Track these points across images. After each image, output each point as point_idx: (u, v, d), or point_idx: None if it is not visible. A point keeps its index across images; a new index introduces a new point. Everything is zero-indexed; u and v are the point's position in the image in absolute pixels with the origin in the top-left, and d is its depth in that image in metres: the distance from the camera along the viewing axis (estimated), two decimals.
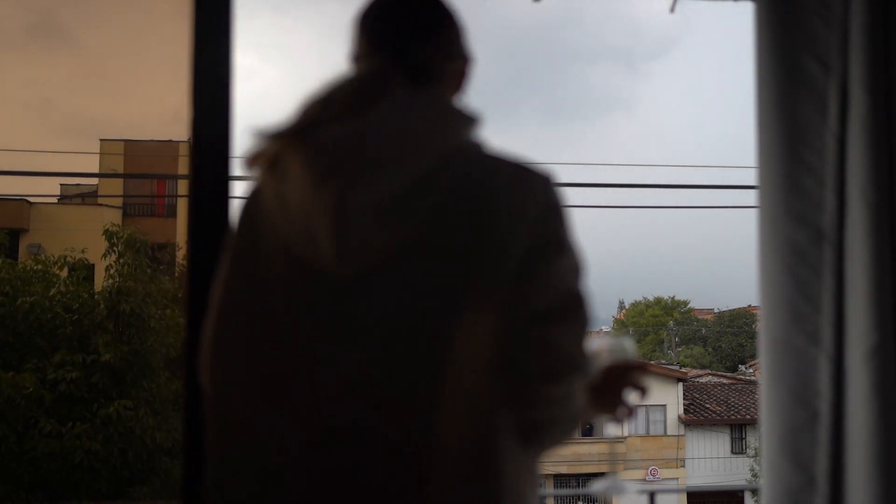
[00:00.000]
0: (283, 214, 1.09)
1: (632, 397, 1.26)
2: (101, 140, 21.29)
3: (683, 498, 22.29)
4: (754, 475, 23.06)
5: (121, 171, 21.22)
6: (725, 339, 46.45)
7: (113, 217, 16.86)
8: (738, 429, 25.50)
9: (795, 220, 1.74)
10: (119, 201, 20.96)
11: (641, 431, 25.36)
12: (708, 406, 26.15)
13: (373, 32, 1.18)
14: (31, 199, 19.69)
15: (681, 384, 25.89)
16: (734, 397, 26.84)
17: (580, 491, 18.59)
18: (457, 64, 1.21)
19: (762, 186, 1.79)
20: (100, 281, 11.82)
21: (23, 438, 9.78)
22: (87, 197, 21.73)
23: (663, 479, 24.28)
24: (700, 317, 51.11)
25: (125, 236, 11.52)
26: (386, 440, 1.02)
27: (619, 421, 1.28)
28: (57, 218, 19.19)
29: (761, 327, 1.78)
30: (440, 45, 1.18)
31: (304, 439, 1.04)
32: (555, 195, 1.11)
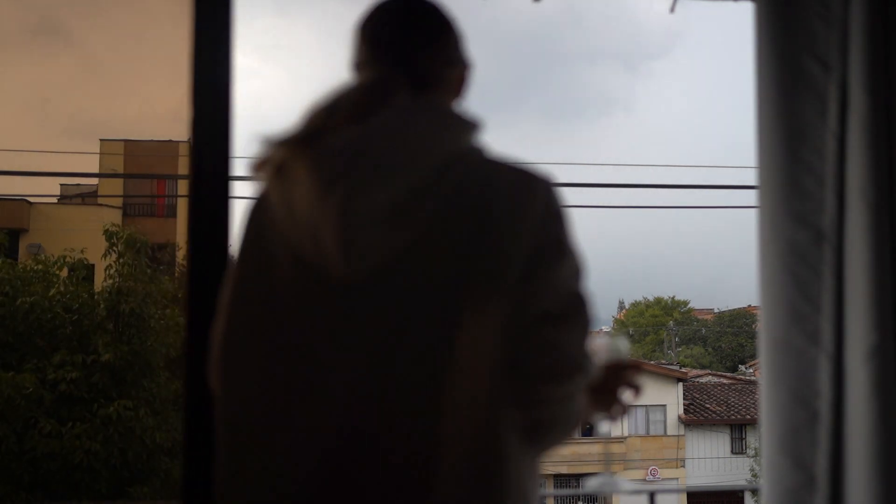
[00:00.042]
0: (289, 220, 1.11)
1: (626, 396, 1.28)
2: (101, 140, 21.29)
3: (683, 498, 22.29)
4: (754, 475, 23.06)
5: (121, 171, 21.22)
6: (725, 339, 46.45)
7: (113, 217, 16.86)
8: (738, 429, 25.50)
9: (795, 220, 1.74)
10: (119, 201, 20.96)
11: (641, 431, 25.36)
12: (708, 406, 26.15)
13: (375, 41, 1.20)
14: (31, 199, 19.69)
15: (681, 384, 25.89)
16: (734, 397, 26.84)
17: (580, 491, 18.60)
18: (457, 70, 1.24)
19: (762, 186, 1.79)
20: (99, 281, 11.82)
21: (23, 438, 9.78)
22: (87, 197, 21.73)
23: (663, 479, 24.29)
24: (700, 317, 51.10)
25: (125, 236, 11.52)
26: (391, 441, 1.04)
27: (614, 419, 1.30)
28: (57, 218, 19.19)
29: (761, 327, 1.78)
30: (441, 53, 1.21)
31: (313, 442, 1.06)
32: (555, 199, 1.13)
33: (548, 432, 1.09)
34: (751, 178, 1.84)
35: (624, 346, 1.33)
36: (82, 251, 11.50)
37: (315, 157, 1.08)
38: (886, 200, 1.69)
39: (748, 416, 24.74)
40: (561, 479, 21.12)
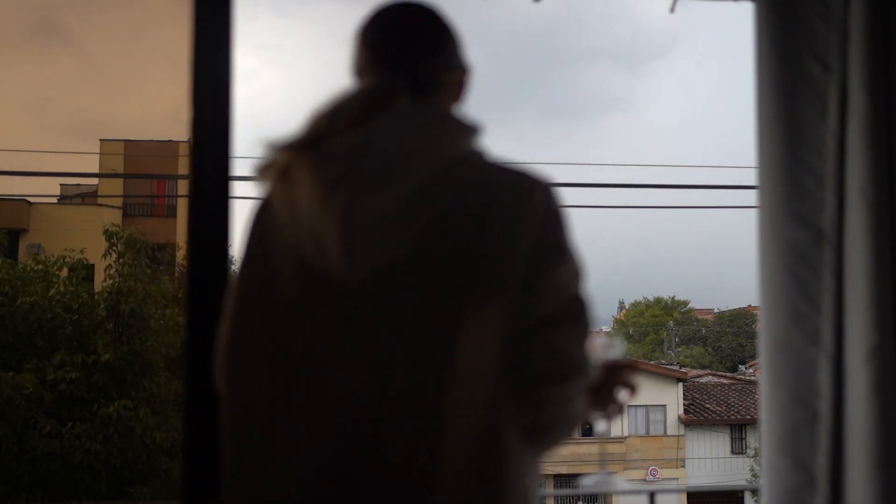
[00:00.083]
0: (292, 223, 1.13)
1: (622, 395, 1.31)
2: (101, 140, 21.29)
3: (683, 498, 22.29)
4: (754, 475, 23.06)
5: (121, 171, 21.22)
6: (725, 339, 46.45)
7: (113, 217, 16.86)
8: (738, 429, 25.50)
9: (795, 220, 1.74)
10: (119, 201, 20.96)
11: (641, 431, 25.36)
12: (708, 406, 26.15)
13: (377, 46, 1.22)
14: (31, 199, 19.69)
15: (681, 384, 25.89)
16: (734, 397, 26.83)
17: (580, 491, 18.60)
18: (456, 74, 1.25)
19: (762, 186, 1.79)
20: (99, 281, 11.82)
21: (23, 438, 9.77)
22: (87, 197, 21.73)
23: (663, 479, 24.28)
24: (700, 317, 51.10)
25: (125, 236, 11.51)
26: (393, 442, 1.05)
27: (610, 418, 1.32)
28: (57, 218, 19.19)
29: (761, 327, 1.78)
30: (442, 58, 1.23)
31: (315, 443, 1.08)
32: (555, 202, 1.14)
33: (548, 433, 1.11)
34: (751, 178, 1.84)
35: (620, 347, 1.35)
36: (82, 251, 11.49)
37: (317, 162, 1.10)
38: (886, 200, 1.69)
39: (748, 416, 24.74)
40: (561, 479, 21.12)
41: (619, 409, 1.30)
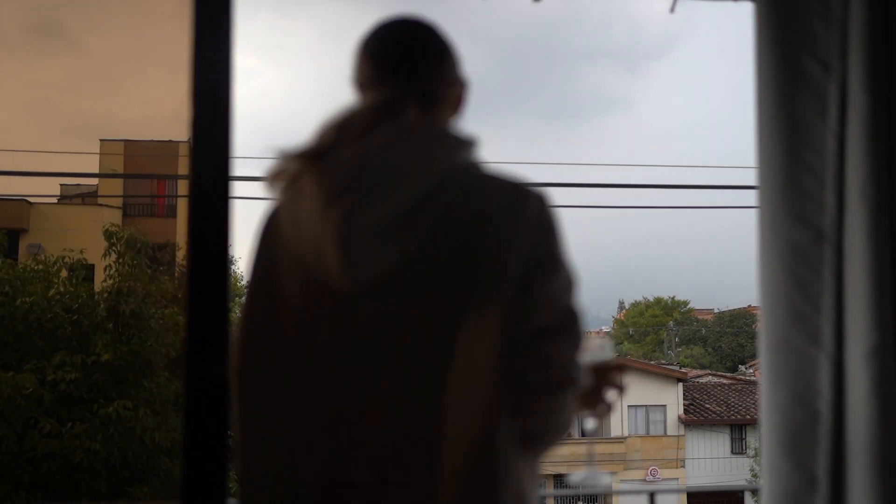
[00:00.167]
0: (296, 233, 1.18)
1: (611, 395, 1.35)
2: (101, 140, 21.30)
3: (683, 498, 22.30)
4: (754, 475, 23.06)
5: (121, 171, 21.23)
6: (725, 339, 46.45)
7: (113, 217, 16.87)
8: (738, 429, 25.51)
9: (795, 221, 1.74)
10: (119, 201, 20.97)
11: (641, 431, 25.37)
12: (708, 406, 26.15)
13: (382, 61, 1.26)
14: (31, 199, 19.70)
15: (681, 384, 25.90)
16: (734, 397, 26.84)
17: (580, 491, 18.60)
18: (455, 89, 1.29)
19: (762, 186, 1.79)
20: (99, 281, 11.81)
21: (23, 438, 9.77)
22: (87, 197, 21.74)
23: (663, 479, 24.29)
24: (700, 317, 51.12)
25: (125, 236, 11.50)
26: (393, 445, 1.09)
27: (599, 417, 1.36)
28: (57, 218, 19.20)
29: (761, 327, 1.78)
30: (443, 73, 1.27)
31: (317, 446, 1.13)
32: (548, 213, 1.17)
33: (541, 439, 1.14)
34: (751, 178, 1.84)
35: (609, 349, 1.39)
36: (82, 251, 11.49)
37: (321, 172, 1.13)
38: (886, 200, 1.69)
39: (748, 417, 24.75)
40: (561, 479, 21.13)
41: (608, 408, 1.34)
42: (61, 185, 22.24)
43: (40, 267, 11.53)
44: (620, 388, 1.34)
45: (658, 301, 51.08)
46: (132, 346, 10.69)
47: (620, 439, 24.64)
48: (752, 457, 24.04)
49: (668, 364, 30.34)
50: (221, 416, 1.35)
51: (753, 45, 1.82)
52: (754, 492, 16.93)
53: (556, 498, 12.00)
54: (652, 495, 4.63)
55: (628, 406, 25.09)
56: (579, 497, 21.79)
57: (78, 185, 22.46)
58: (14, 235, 17.64)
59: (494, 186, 1.17)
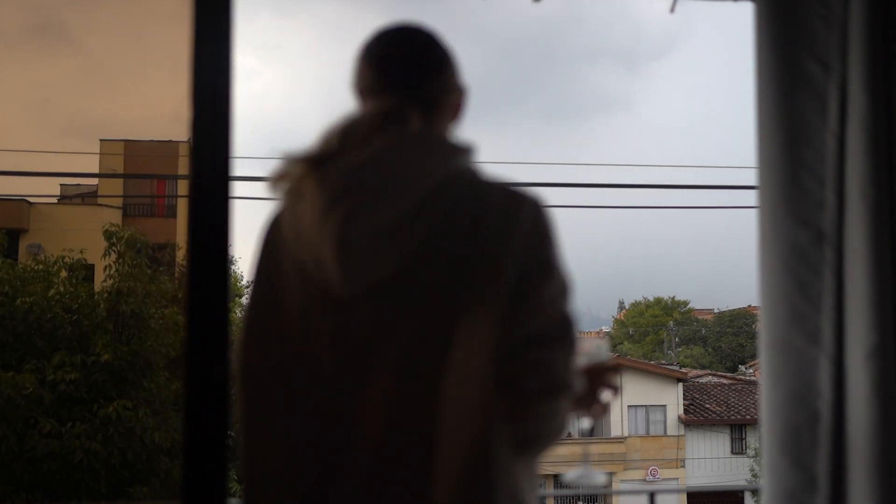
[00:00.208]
0: (296, 238, 1.20)
1: (605, 396, 1.37)
2: (101, 140, 21.30)
3: (683, 498, 22.29)
4: (754, 475, 23.07)
5: (121, 171, 21.23)
6: (725, 339, 46.45)
7: (113, 217, 16.87)
8: (738, 429, 25.50)
9: (796, 221, 1.74)
10: (119, 201, 20.97)
11: (641, 431, 25.37)
12: (708, 406, 26.15)
13: (383, 68, 1.28)
14: (31, 199, 19.70)
15: (681, 384, 25.90)
16: (734, 397, 26.84)
17: (580, 491, 18.59)
18: (455, 96, 1.31)
19: (762, 186, 1.78)
20: (99, 281, 11.81)
21: (23, 438, 9.76)
22: (87, 197, 21.74)
23: (663, 479, 24.28)
24: (700, 317, 51.12)
25: (125, 236, 11.50)
26: (390, 448, 1.12)
27: (593, 417, 1.38)
28: (57, 218, 19.20)
29: (761, 327, 1.78)
30: (443, 80, 1.29)
31: (315, 448, 1.16)
32: (543, 219, 1.18)
33: (535, 443, 1.16)
34: (751, 178, 1.84)
35: (604, 350, 1.41)
36: (82, 251, 11.48)
37: (322, 178, 1.15)
38: (886, 200, 1.69)
39: (748, 417, 24.75)
40: (561, 479, 21.13)
41: (602, 409, 1.37)
42: (61, 185, 22.24)
43: (40, 267, 11.53)
44: (615, 389, 1.37)
45: (658, 301, 51.07)
46: (132, 347, 10.68)
47: (620, 439, 24.64)
48: (752, 457, 24.04)
49: (668, 364, 30.34)
50: (221, 416, 1.35)
51: (753, 45, 1.82)
52: (754, 492, 16.94)
53: (556, 498, 11.99)
54: (652, 495, 4.63)
55: (628, 406, 25.11)
56: (579, 497, 21.79)
57: (78, 185, 22.46)
58: (14, 235, 17.63)
59: (490, 192, 1.18)
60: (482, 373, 1.09)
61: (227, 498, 1.36)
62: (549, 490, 17.90)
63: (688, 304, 51.30)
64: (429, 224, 1.14)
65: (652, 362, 31.27)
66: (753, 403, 24.91)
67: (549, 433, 1.15)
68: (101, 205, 20.33)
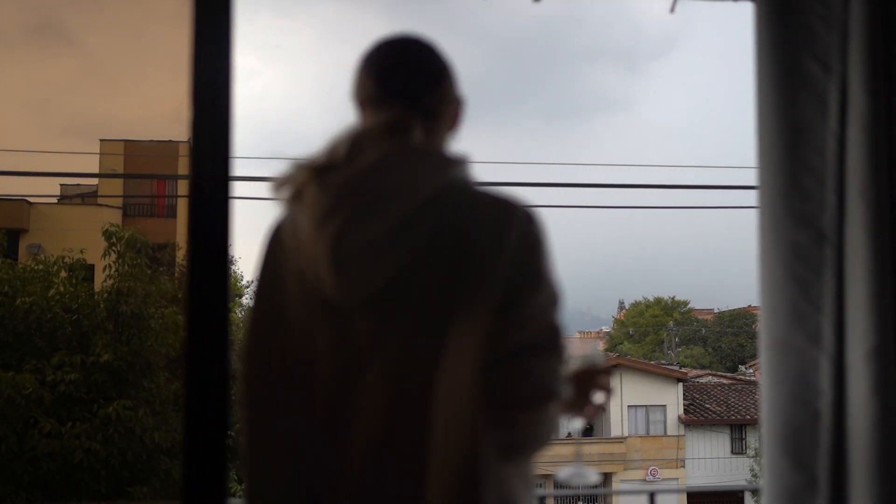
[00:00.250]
0: (296, 248, 1.22)
1: (598, 398, 1.40)
2: (101, 140, 21.29)
3: (683, 498, 22.28)
4: (754, 475, 23.07)
5: (121, 171, 21.22)
6: (725, 339, 46.43)
7: (113, 217, 16.86)
8: (738, 429, 25.50)
9: (796, 221, 1.74)
10: (119, 201, 20.97)
11: (641, 431, 25.36)
12: (708, 406, 26.15)
13: (384, 81, 1.29)
14: (31, 199, 19.69)
15: (681, 384, 25.89)
16: (734, 397, 26.83)
17: (580, 491, 18.58)
18: (452, 106, 1.33)
19: (762, 186, 1.78)
20: (99, 281, 11.80)
21: (23, 438, 9.76)
22: (87, 197, 21.74)
23: (663, 479, 24.28)
24: (700, 317, 51.11)
25: (125, 236, 11.49)
26: (382, 454, 1.15)
27: (587, 419, 1.41)
28: (57, 218, 19.19)
29: (761, 327, 1.78)
30: (442, 92, 1.31)
31: (312, 451, 1.18)
32: (534, 229, 1.19)
33: (523, 449, 1.18)
34: (751, 178, 1.84)
35: (598, 353, 1.45)
36: (82, 251, 11.48)
37: (321, 189, 1.17)
38: (886, 200, 1.69)
39: (748, 416, 24.74)
40: (554, 478, 21.09)
41: (595, 410, 1.40)
42: (61, 185, 22.24)
43: (40, 267, 11.52)
44: (608, 391, 1.39)
45: (658, 301, 51.06)
46: (132, 347, 10.68)
47: (620, 439, 24.63)
48: (752, 457, 24.03)
49: (668, 364, 30.33)
50: (221, 416, 1.35)
51: (753, 45, 1.82)
52: (754, 492, 16.93)
53: (556, 498, 12.00)
54: (652, 495, 4.63)
55: (628, 406, 25.11)
56: (580, 497, 21.78)
57: (78, 185, 22.46)
58: (14, 235, 17.63)
59: (482, 203, 1.20)
60: (471, 380, 1.11)
61: (227, 498, 1.36)
62: (549, 490, 17.89)
63: (688, 304, 51.29)
64: (422, 235, 1.16)
65: (652, 362, 31.26)
66: (753, 403, 24.92)
67: (537, 440, 1.17)
68: (101, 205, 20.33)
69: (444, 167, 1.22)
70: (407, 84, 1.29)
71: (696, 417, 25.41)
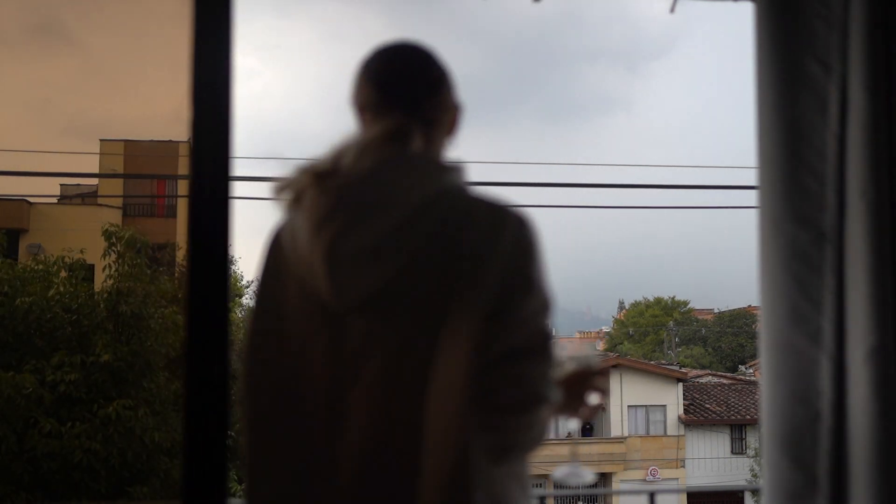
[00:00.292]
0: (294, 253, 1.24)
1: (592, 399, 1.41)
2: (101, 140, 21.29)
3: (683, 498, 22.28)
4: (754, 475, 23.07)
5: (121, 171, 21.22)
6: (725, 339, 46.43)
7: (113, 217, 16.87)
8: (738, 429, 25.50)
9: (796, 221, 1.74)
10: (119, 201, 20.97)
11: (641, 431, 25.36)
12: (708, 406, 26.15)
13: (385, 87, 1.31)
14: (31, 199, 19.70)
15: (681, 384, 25.89)
16: (734, 397, 26.83)
17: (580, 491, 18.59)
18: (451, 113, 1.35)
19: (762, 186, 1.78)
20: (99, 281, 11.80)
21: (23, 438, 9.76)
22: (87, 197, 21.74)
23: (663, 479, 24.28)
24: (700, 317, 51.11)
25: (125, 236, 11.48)
26: (376, 455, 1.16)
27: (581, 419, 1.43)
28: (57, 218, 19.20)
29: (762, 327, 1.78)
30: (440, 99, 1.33)
31: (307, 452, 1.20)
32: (527, 236, 1.21)
33: (512, 452, 1.20)
34: (751, 178, 1.84)
35: (593, 355, 1.45)
36: (81, 251, 11.48)
37: (319, 194, 1.19)
38: (886, 200, 1.69)
39: (748, 416, 24.74)
40: (550, 478, 21.09)
41: (589, 411, 1.41)
42: (61, 185, 22.24)
43: (40, 267, 11.52)
44: (602, 392, 1.41)
45: (658, 301, 51.06)
46: (132, 347, 10.67)
47: (620, 439, 24.64)
48: (752, 457, 24.04)
49: (668, 364, 30.33)
50: (221, 416, 1.35)
51: (753, 45, 1.82)
52: (754, 492, 16.94)
53: (556, 498, 11.99)
54: (652, 495, 4.62)
55: (628, 406, 25.11)
56: (580, 497, 21.78)
57: (78, 185, 22.46)
58: (14, 235, 17.64)
59: (475, 208, 1.22)
60: (462, 384, 1.13)
61: (227, 498, 1.36)
62: (550, 490, 17.90)
63: (688, 304, 51.30)
64: (416, 240, 1.17)
65: (652, 362, 31.26)
66: (753, 403, 24.92)
67: (527, 443, 1.19)
68: (101, 205, 20.33)
69: (439, 174, 1.23)
70: (407, 91, 1.31)
71: (696, 417, 25.41)
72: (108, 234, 11.42)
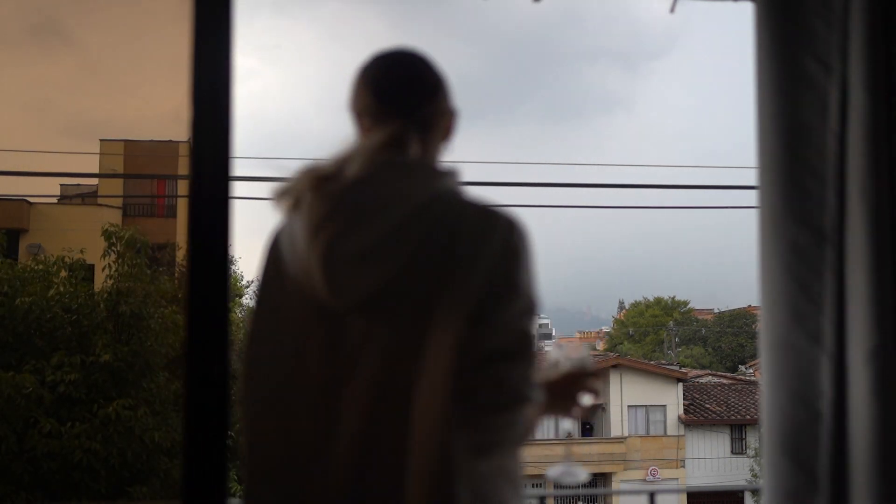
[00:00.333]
0: (293, 255, 1.26)
1: (585, 399, 1.44)
2: (101, 140, 21.30)
3: (683, 498, 22.28)
4: (754, 475, 23.08)
5: (121, 171, 21.22)
6: (725, 339, 46.43)
7: (113, 217, 16.87)
8: (738, 429, 25.50)
9: (796, 221, 1.74)
10: (119, 201, 20.97)
11: (641, 431, 25.37)
12: (708, 406, 26.15)
13: (381, 94, 1.34)
14: (31, 199, 19.70)
15: (681, 384, 25.89)
16: (734, 397, 26.83)
17: (580, 491, 18.59)
18: (446, 118, 1.38)
19: (762, 187, 1.78)
20: (99, 281, 11.80)
21: (23, 438, 9.76)
22: (87, 197, 21.74)
23: (663, 479, 24.28)
24: (700, 317, 51.12)
25: (125, 236, 11.48)
26: (368, 453, 1.18)
27: (575, 419, 1.46)
28: (57, 218, 19.20)
29: (762, 327, 1.78)
30: (437, 104, 1.36)
31: (305, 451, 1.22)
32: (516, 239, 1.23)
33: (494, 450, 1.21)
34: (751, 178, 1.84)
35: (587, 356, 1.47)
36: (81, 251, 11.47)
37: (318, 198, 1.22)
38: (886, 200, 1.69)
39: (748, 416, 24.75)
40: (544, 478, 21.09)
41: (582, 411, 1.44)
42: (61, 185, 22.24)
43: (40, 267, 11.51)
44: (596, 393, 1.44)
45: (658, 301, 51.07)
46: (132, 347, 10.67)
47: (620, 439, 24.64)
48: (752, 457, 24.04)
49: (668, 364, 30.33)
50: (221, 416, 1.35)
51: (753, 45, 1.82)
52: (754, 492, 16.94)
53: (556, 498, 11.99)
54: (652, 495, 4.62)
55: (628, 406, 25.11)
56: (579, 497, 21.78)
57: (78, 185, 22.47)
58: (14, 235, 17.64)
59: (467, 213, 1.24)
60: (446, 384, 1.15)
61: (227, 498, 1.36)
62: (549, 490, 17.90)
63: (688, 304, 51.31)
64: (410, 244, 1.20)
65: (652, 362, 31.26)
66: (753, 403, 24.93)
67: (508, 440, 1.21)
68: (101, 205, 20.33)
69: (434, 179, 1.26)
70: (404, 98, 1.33)
71: (696, 417, 25.41)
72: (107, 234, 11.42)
